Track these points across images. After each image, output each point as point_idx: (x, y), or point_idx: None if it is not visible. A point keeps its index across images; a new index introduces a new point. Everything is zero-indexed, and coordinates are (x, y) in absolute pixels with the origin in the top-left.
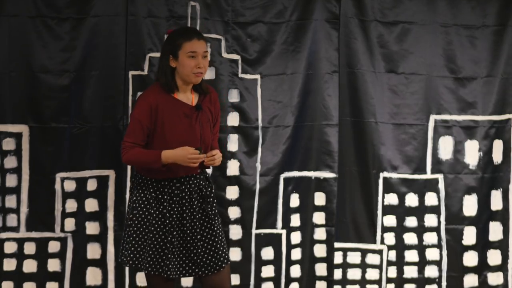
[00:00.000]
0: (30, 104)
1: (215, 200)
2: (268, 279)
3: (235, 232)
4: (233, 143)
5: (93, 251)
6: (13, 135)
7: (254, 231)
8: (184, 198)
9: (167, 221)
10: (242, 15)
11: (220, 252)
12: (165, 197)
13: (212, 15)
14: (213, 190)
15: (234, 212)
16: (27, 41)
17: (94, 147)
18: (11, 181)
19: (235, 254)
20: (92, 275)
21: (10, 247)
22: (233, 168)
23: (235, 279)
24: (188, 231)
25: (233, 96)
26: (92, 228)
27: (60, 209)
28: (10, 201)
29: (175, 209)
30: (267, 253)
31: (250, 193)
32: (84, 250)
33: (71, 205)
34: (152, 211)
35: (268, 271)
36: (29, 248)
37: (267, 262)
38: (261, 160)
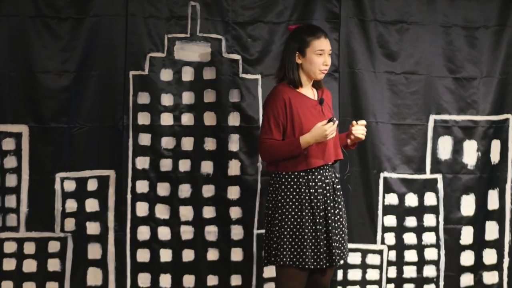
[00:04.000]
0: (30, 104)
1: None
2: (270, 279)
3: (237, 232)
4: (234, 143)
5: (93, 251)
6: (13, 135)
7: (255, 231)
8: (325, 189)
9: (316, 213)
10: (242, 15)
11: (341, 247)
12: (312, 190)
13: (213, 15)
14: (339, 185)
15: (235, 212)
16: (27, 41)
17: (94, 147)
18: (11, 181)
19: (236, 255)
20: (93, 276)
21: (9, 247)
22: (234, 168)
23: (236, 280)
24: (329, 221)
25: (234, 96)
26: (92, 228)
27: (60, 209)
28: (10, 201)
29: (321, 200)
30: None
31: (252, 193)
32: (85, 250)
33: (71, 205)
34: (306, 207)
35: (270, 271)
36: (29, 248)
37: None
38: (262, 160)
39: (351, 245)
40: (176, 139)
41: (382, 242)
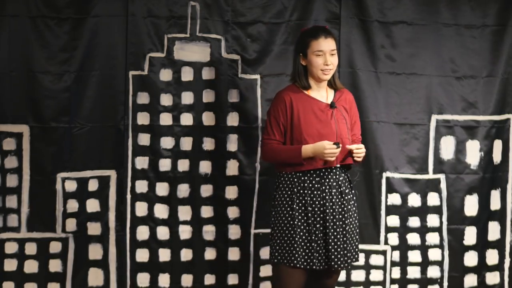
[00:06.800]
0: (31, 104)
1: (355, 198)
2: (266, 278)
3: (234, 231)
4: (232, 143)
5: (94, 251)
6: (14, 135)
7: (253, 231)
8: (324, 192)
9: (310, 214)
10: (242, 15)
11: (345, 251)
12: (307, 191)
13: (212, 15)
14: (352, 189)
15: (233, 212)
16: (27, 41)
17: (95, 147)
18: (11, 181)
19: (233, 254)
20: (94, 276)
21: (11, 248)
22: (232, 168)
23: (233, 279)
24: (327, 224)
25: (233, 96)
26: (93, 228)
27: (61, 209)
28: (11, 201)
29: (317, 202)
30: (266, 252)
31: (249, 193)
32: (86, 250)
33: (72, 206)
34: (296, 207)
35: (266, 270)
36: (30, 248)
37: (266, 262)
38: (261, 160)
39: None
40: (175, 139)
41: (386, 243)
